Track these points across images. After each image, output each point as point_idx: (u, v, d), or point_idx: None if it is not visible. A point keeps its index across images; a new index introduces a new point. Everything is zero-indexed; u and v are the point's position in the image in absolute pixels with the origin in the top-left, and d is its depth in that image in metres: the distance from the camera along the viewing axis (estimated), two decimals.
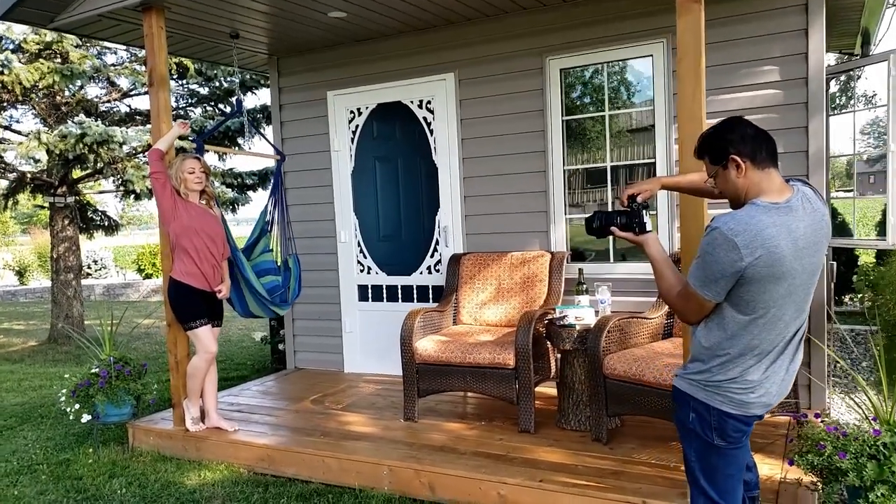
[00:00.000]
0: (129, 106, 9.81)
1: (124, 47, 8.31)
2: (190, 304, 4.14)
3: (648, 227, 2.25)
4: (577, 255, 4.84)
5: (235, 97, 5.03)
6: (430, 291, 5.42)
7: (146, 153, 8.94)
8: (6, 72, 6.99)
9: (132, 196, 8.92)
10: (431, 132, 5.31)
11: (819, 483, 2.76)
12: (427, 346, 4.22)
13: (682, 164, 2.77)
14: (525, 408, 3.94)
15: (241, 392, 5.29)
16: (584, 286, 4.18)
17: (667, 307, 4.02)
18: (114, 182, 10.09)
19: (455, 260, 4.99)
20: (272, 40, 5.43)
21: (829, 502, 2.68)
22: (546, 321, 4.16)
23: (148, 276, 17.37)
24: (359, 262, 5.73)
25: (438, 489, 3.43)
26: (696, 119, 2.75)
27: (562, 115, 4.81)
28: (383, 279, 5.63)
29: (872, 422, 2.68)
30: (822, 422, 2.86)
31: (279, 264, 4.85)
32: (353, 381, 5.46)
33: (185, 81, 9.53)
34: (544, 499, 3.15)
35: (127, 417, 4.45)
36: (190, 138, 4.46)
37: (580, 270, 4.28)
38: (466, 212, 5.21)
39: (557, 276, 4.58)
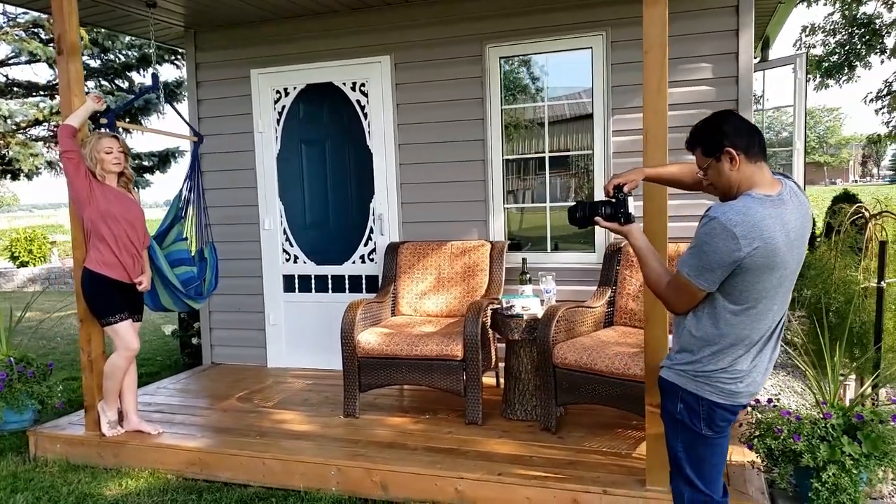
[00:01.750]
0: (6, 76, 8.89)
1: (16, 10, 7.50)
2: (108, 297, 3.77)
3: (633, 218, 2.23)
4: (514, 245, 4.83)
5: (151, 71, 4.61)
6: (364, 282, 5.25)
7: (33, 128, 8.18)
8: None
9: (20, 176, 8.08)
10: (366, 116, 5.12)
11: (769, 465, 2.88)
12: (370, 338, 4.07)
13: (647, 156, 2.78)
14: (473, 399, 3.88)
15: (156, 391, 4.91)
16: (528, 276, 4.17)
17: (607, 297, 4.10)
18: None
19: (393, 249, 4.85)
20: (191, 12, 5.03)
21: (783, 483, 2.80)
22: (490, 311, 4.12)
23: (23, 265, 15.88)
24: (284, 250, 5.46)
25: (392, 487, 3.31)
26: (660, 112, 2.78)
27: (501, 104, 4.77)
28: (312, 269, 5.39)
29: (823, 405, 2.83)
30: (774, 407, 2.99)
31: (194, 254, 4.51)
32: (280, 377, 5.21)
33: None
34: (504, 493, 3.11)
35: (28, 424, 4.02)
36: (99, 115, 4.03)
37: (524, 260, 4.27)
38: (403, 199, 5.08)
39: (498, 266, 4.55)
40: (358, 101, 5.14)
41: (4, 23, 7.93)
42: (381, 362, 4.04)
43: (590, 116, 4.57)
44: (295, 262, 5.43)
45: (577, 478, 3.08)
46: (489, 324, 4.11)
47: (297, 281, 5.44)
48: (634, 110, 4.41)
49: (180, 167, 9.65)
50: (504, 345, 4.29)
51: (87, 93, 3.94)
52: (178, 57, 8.04)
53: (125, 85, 8.83)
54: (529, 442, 3.57)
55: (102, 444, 3.89)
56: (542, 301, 3.99)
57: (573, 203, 2.37)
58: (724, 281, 1.92)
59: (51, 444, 3.99)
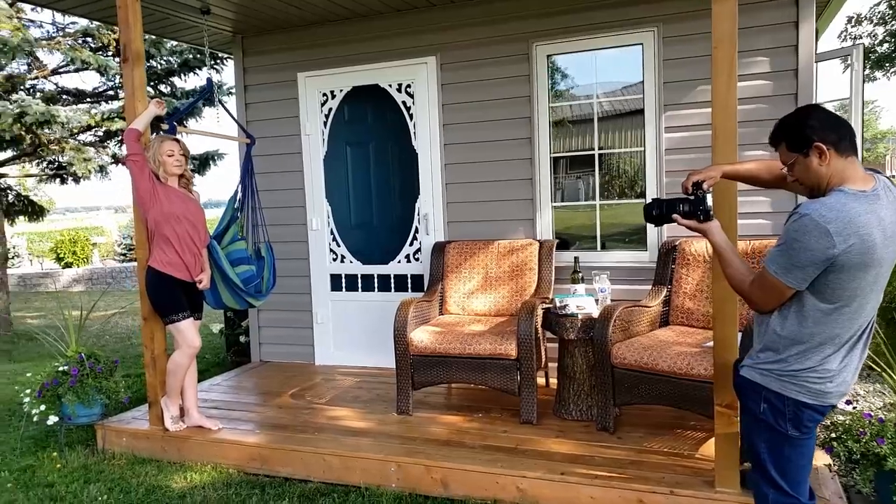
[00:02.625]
0: (57, 84, 9.12)
1: (63, 19, 7.70)
2: (171, 296, 3.87)
3: (712, 215, 2.22)
4: (562, 243, 4.83)
5: (207, 76, 4.71)
6: (409, 281, 5.30)
7: (83, 133, 8.37)
8: None
9: (70, 179, 8.29)
10: (411, 117, 5.17)
11: (846, 469, 2.84)
12: (422, 337, 4.11)
13: (716, 152, 2.76)
14: (528, 399, 3.90)
15: (210, 388, 5.01)
16: (581, 275, 4.17)
17: (663, 296, 4.08)
18: (38, 165, 9.38)
19: (439, 249, 4.89)
20: (241, 17, 5.13)
21: (864, 487, 2.76)
22: (543, 310, 4.13)
23: (67, 266, 16.31)
24: (331, 250, 5.53)
25: (452, 485, 3.35)
26: (730, 107, 2.76)
27: (549, 102, 4.77)
28: (358, 268, 5.46)
29: None
30: (853, 409, 2.95)
31: (251, 253, 4.60)
32: (328, 374, 5.28)
33: (119, 60, 8.93)
34: (567, 492, 3.12)
35: (96, 418, 4.13)
36: (161, 119, 4.14)
37: (576, 259, 4.27)
38: (448, 199, 5.11)
39: (548, 265, 4.55)
40: (403, 103, 5.18)
41: (55, 32, 8.13)
42: (434, 360, 4.08)
43: (640, 113, 4.55)
44: (342, 261, 5.50)
45: (641, 478, 3.08)
46: (541, 323, 4.12)
47: (343, 280, 5.51)
48: (687, 106, 4.39)
49: (219, 170, 9.79)
50: (554, 344, 4.32)
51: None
52: (220, 61, 8.16)
53: (167, 90, 8.98)
54: (588, 442, 3.57)
55: (166, 439, 3.99)
56: (596, 300, 3.99)
57: (649, 200, 2.36)
58: (814, 279, 1.90)
59: (117, 437, 4.11)
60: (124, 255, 17.47)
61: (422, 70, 5.09)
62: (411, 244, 5.27)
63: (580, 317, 3.86)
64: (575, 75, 4.79)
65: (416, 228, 5.23)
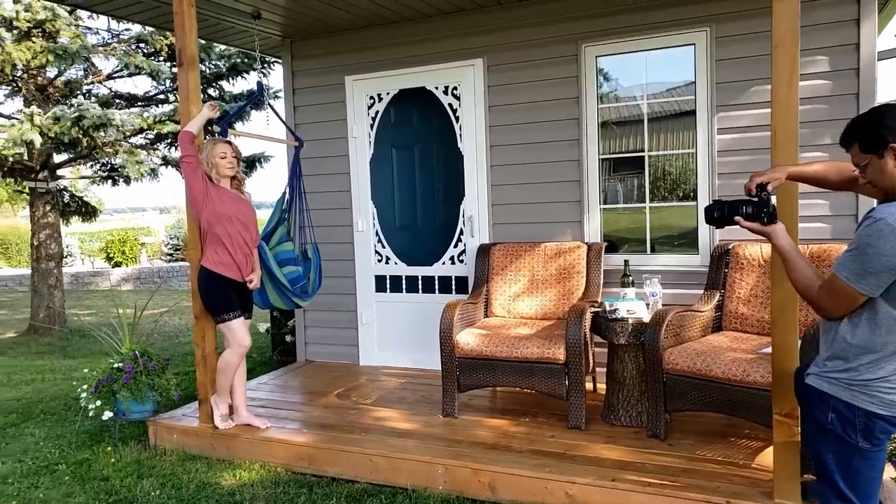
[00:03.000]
0: (110, 89, 9.39)
1: (118, 26, 7.93)
2: (223, 296, 3.93)
3: (777, 218, 2.15)
4: (611, 246, 4.76)
5: (257, 80, 4.79)
6: (454, 283, 5.29)
7: (136, 136, 8.60)
8: None
9: (122, 181, 8.52)
10: (457, 119, 5.16)
11: None
12: (468, 339, 4.09)
13: (776, 153, 2.69)
14: (576, 404, 3.85)
15: (258, 386, 5.08)
16: (631, 278, 4.10)
17: (715, 301, 3.99)
18: (91, 166, 9.66)
19: (484, 250, 4.87)
20: (290, 21, 5.20)
21: None
22: (591, 314, 4.07)
23: (117, 265, 16.79)
24: (376, 251, 5.56)
25: (500, 489, 3.32)
26: (791, 107, 2.68)
27: (597, 103, 4.71)
28: (402, 269, 5.47)
29: None
30: None
31: (298, 254, 4.65)
32: (373, 375, 5.30)
33: (170, 65, 9.15)
34: (617, 498, 3.06)
35: (149, 414, 4.23)
36: (213, 122, 4.23)
37: (626, 262, 4.20)
38: (493, 201, 5.09)
39: (596, 268, 4.49)
40: (450, 105, 5.18)
41: (111, 39, 8.38)
42: (480, 363, 4.06)
43: (691, 114, 4.46)
44: (386, 262, 5.53)
45: (696, 487, 3.00)
46: (589, 327, 4.06)
47: (388, 281, 5.53)
48: (741, 107, 4.29)
49: (266, 172, 9.95)
50: (601, 349, 4.26)
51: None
52: (268, 65, 8.30)
53: (216, 94, 9.16)
54: (638, 448, 3.51)
55: (216, 436, 4.05)
56: (647, 304, 3.92)
57: (710, 202, 2.30)
58: (889, 285, 1.83)
59: (168, 434, 4.19)
60: (171, 255, 17.90)
61: (469, 72, 5.08)
62: (456, 246, 5.26)
63: (630, 321, 3.80)
64: (623, 76, 4.72)
65: (461, 230, 5.23)
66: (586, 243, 4.64)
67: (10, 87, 7.95)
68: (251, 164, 9.64)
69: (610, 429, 3.83)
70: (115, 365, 4.09)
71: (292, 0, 4.66)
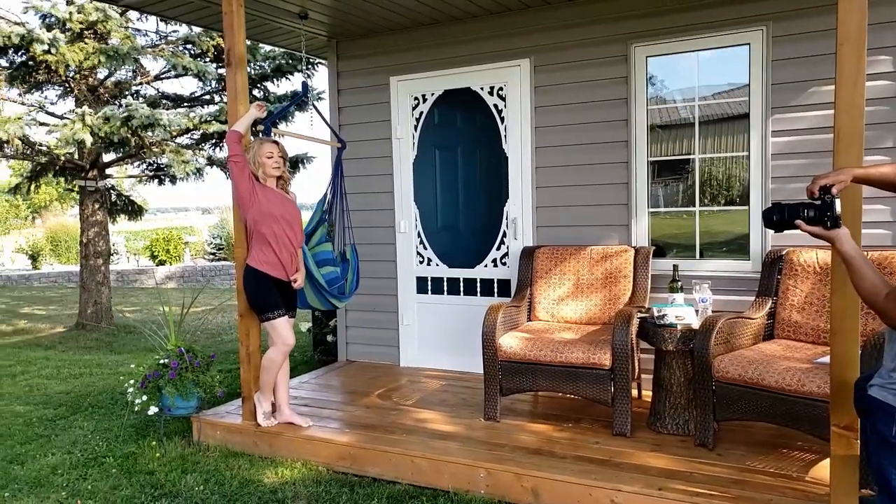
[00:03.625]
0: (157, 89, 9.60)
1: (166, 27, 8.10)
2: (268, 294, 3.96)
3: (840, 222, 2.06)
4: (658, 250, 4.66)
5: (302, 80, 4.84)
6: (496, 285, 5.24)
7: (184, 135, 8.78)
8: (52, 51, 6.75)
9: (168, 180, 8.70)
10: (502, 120, 5.12)
11: None
12: (511, 342, 4.04)
13: (839, 155, 2.59)
14: (621, 410, 3.77)
15: (300, 385, 5.11)
16: (680, 283, 4.00)
17: (767, 308, 3.87)
18: (138, 166, 9.88)
19: (528, 253, 4.81)
20: (336, 22, 5.23)
21: None
22: (638, 319, 3.99)
23: (161, 263, 17.17)
24: (418, 253, 5.55)
25: (543, 495, 3.26)
26: (856, 108, 2.58)
27: (647, 105, 4.62)
28: (444, 271, 5.45)
29: None
30: None
31: (336, 255, 4.66)
32: (413, 376, 5.29)
33: (216, 66, 9.31)
34: None
35: (193, 410, 4.28)
36: (259, 121, 4.27)
37: (675, 267, 4.10)
38: (538, 203, 5.03)
39: (643, 273, 4.40)
40: (495, 105, 5.14)
41: (159, 41, 8.56)
42: (523, 367, 4.01)
43: (744, 116, 4.34)
44: (428, 264, 5.51)
45: (747, 499, 2.91)
46: (635, 333, 3.98)
47: (429, 283, 5.51)
48: (797, 109, 4.16)
49: (308, 173, 10.05)
50: (647, 355, 4.17)
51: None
52: (312, 66, 8.38)
53: (260, 94, 9.29)
54: (686, 457, 3.41)
55: (258, 434, 4.08)
56: (696, 310, 3.82)
57: (770, 205, 2.22)
58: None
59: (212, 430, 4.24)
60: (213, 254, 18.23)
61: (515, 72, 5.03)
62: (498, 248, 5.22)
63: (679, 327, 3.70)
64: (674, 77, 4.62)
65: (504, 232, 5.18)
66: (633, 247, 4.54)
67: (62, 88, 8.19)
68: (294, 164, 9.73)
69: (656, 436, 3.74)
70: (161, 361, 4.15)
71: (339, 0, 4.68)
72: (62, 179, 9.43)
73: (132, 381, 4.21)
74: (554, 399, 4.52)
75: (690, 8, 4.39)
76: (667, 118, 4.65)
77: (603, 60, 4.72)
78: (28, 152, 8.30)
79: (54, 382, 6.03)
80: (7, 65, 7.53)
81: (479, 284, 5.31)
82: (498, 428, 3.99)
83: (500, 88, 5.11)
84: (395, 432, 3.95)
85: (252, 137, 4.27)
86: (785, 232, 2.21)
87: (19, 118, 6.79)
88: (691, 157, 4.57)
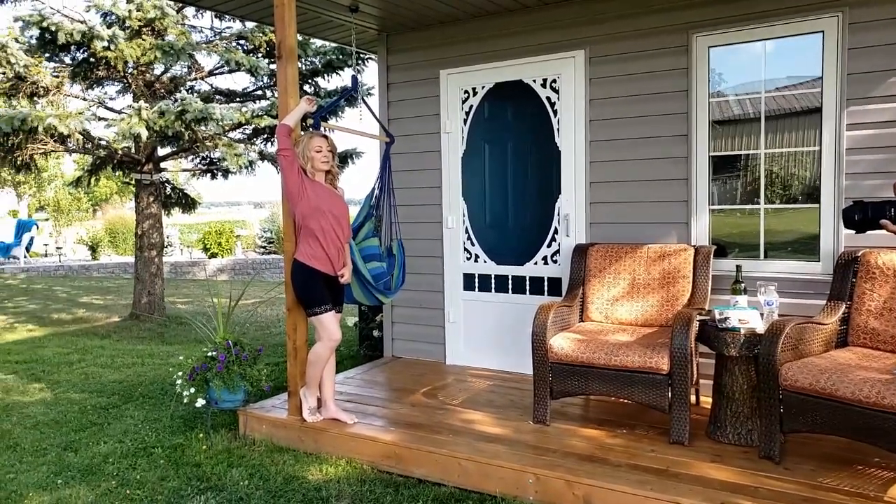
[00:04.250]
0: (211, 85, 9.73)
1: (220, 24, 8.20)
2: (315, 289, 3.91)
3: None
4: (719, 250, 4.43)
5: (353, 76, 4.78)
6: (546, 284, 5.09)
7: (236, 130, 8.88)
8: (112, 48, 6.89)
9: (220, 174, 8.81)
10: (555, 113, 4.96)
11: None
12: (563, 344, 3.90)
13: None
14: (679, 418, 3.59)
15: (345, 381, 5.07)
16: (743, 285, 3.79)
17: (840, 313, 3.62)
18: (192, 160, 10.04)
19: (581, 251, 4.65)
20: (386, 14, 5.15)
21: None
22: (698, 322, 3.79)
23: (213, 256, 17.51)
24: (466, 249, 5.44)
25: None
26: None
27: (709, 97, 4.40)
28: (492, 268, 5.33)
29: None
30: None
31: (383, 250, 4.59)
32: (459, 375, 5.19)
33: (268, 61, 9.37)
34: None
35: (240, 404, 4.27)
36: (308, 115, 4.22)
37: (738, 268, 3.88)
38: (591, 199, 4.86)
39: (703, 273, 4.20)
40: (548, 98, 4.99)
41: (213, 37, 8.66)
42: (575, 370, 3.86)
43: (815, 109, 4.09)
44: (476, 260, 5.40)
45: None
46: (695, 336, 3.78)
47: (477, 280, 5.40)
48: (877, 100, 3.89)
49: (357, 168, 10.04)
50: (707, 360, 3.97)
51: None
52: (362, 62, 8.35)
53: (311, 90, 9.31)
54: (750, 470, 3.21)
55: (303, 430, 4.04)
56: (761, 314, 3.60)
57: (850, 203, 2.03)
58: None
59: (258, 424, 4.22)
60: (264, 247, 18.50)
61: (569, 64, 4.87)
62: (549, 245, 5.06)
63: (743, 332, 3.50)
64: (737, 67, 4.38)
65: (556, 229, 5.02)
66: (693, 246, 4.34)
67: (121, 84, 8.36)
68: (344, 159, 9.73)
69: (716, 446, 3.55)
70: (209, 354, 4.15)
71: None
72: (120, 173, 9.66)
73: (180, 373, 4.22)
74: (606, 403, 4.35)
75: None
76: (729, 111, 4.42)
77: (662, 51, 4.52)
78: (88, 146, 8.50)
79: (108, 371, 6.15)
80: (70, 61, 7.72)
81: (528, 282, 5.17)
82: (547, 432, 3.85)
83: (554, 81, 4.95)
84: (442, 432, 3.86)
85: (302, 132, 4.23)
86: (868, 233, 2.03)
87: (80, 113, 6.95)
88: (756, 152, 4.33)
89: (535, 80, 5.03)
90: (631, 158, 4.69)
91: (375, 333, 6.23)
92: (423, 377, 5.12)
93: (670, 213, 4.57)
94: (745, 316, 3.54)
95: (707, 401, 4.05)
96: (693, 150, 4.44)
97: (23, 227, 17.63)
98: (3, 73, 7.12)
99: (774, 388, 3.26)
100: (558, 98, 4.94)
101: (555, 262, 5.05)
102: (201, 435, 4.23)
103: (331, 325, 3.92)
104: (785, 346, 3.31)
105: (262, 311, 9.79)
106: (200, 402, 4.16)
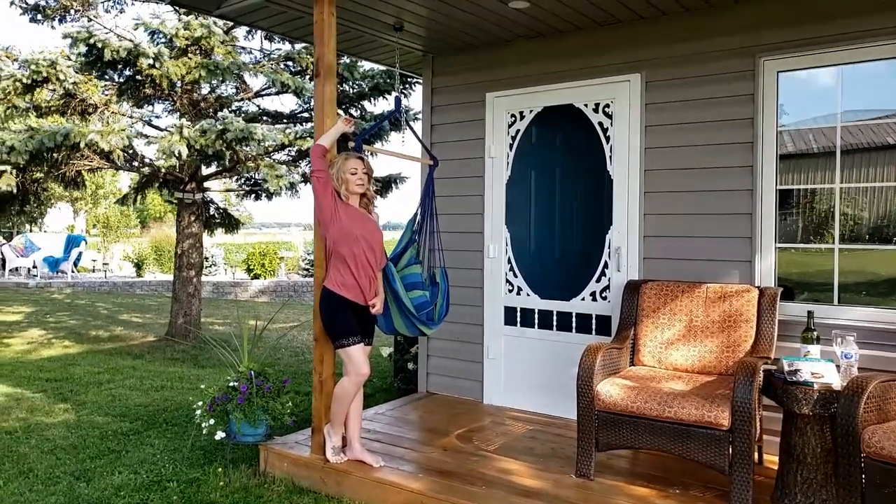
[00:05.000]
0: (258, 105, 9.74)
1: (269, 43, 8.19)
2: (344, 319, 3.66)
3: None
4: (787, 292, 4.03)
5: (396, 97, 4.59)
6: (594, 322, 4.74)
7: (277, 152, 8.84)
8: (157, 65, 6.90)
9: (263, 195, 8.74)
10: (608, 139, 4.66)
11: None
12: (611, 391, 3.55)
13: None
14: (741, 480, 3.18)
15: (374, 416, 4.79)
16: (816, 333, 3.39)
17: None
18: (236, 180, 10.03)
19: (633, 288, 4.30)
20: (432, 35, 4.96)
21: None
22: (763, 373, 3.40)
23: (256, 277, 17.55)
24: (508, 281, 5.13)
25: None
26: None
27: (776, 126, 4.05)
28: (536, 302, 5.00)
29: None
30: None
31: (425, 278, 4.32)
32: (497, 416, 4.85)
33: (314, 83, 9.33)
34: None
35: (261, 438, 4.02)
36: (349, 137, 4.03)
37: (810, 314, 3.48)
38: (646, 232, 4.52)
39: (769, 318, 3.80)
40: (600, 124, 4.69)
41: (262, 58, 8.66)
42: (624, 420, 3.50)
43: None
44: (518, 293, 5.08)
45: None
46: (759, 388, 3.39)
47: (518, 314, 5.08)
48: None
49: (400, 193, 9.87)
50: (772, 414, 3.56)
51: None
52: (408, 86, 8.22)
53: (357, 113, 9.23)
54: None
55: (326, 470, 3.77)
56: (838, 367, 3.20)
57: None
58: None
59: (279, 461, 3.97)
60: (307, 269, 18.47)
61: (623, 88, 4.57)
62: (598, 280, 4.72)
63: (816, 387, 3.09)
64: (807, 95, 4.03)
65: (606, 263, 4.69)
66: (757, 287, 3.95)
67: (168, 102, 8.40)
68: (387, 184, 9.59)
69: None
70: (231, 384, 3.93)
71: (435, 11, 4.40)
72: (165, 191, 9.70)
73: (200, 403, 4.00)
74: (658, 458, 3.96)
75: (833, 16, 3.81)
76: (800, 141, 4.05)
77: (726, 76, 4.19)
78: (134, 164, 8.54)
79: (136, 394, 6.00)
80: (117, 79, 7.78)
81: (574, 319, 4.83)
82: (591, 488, 3.49)
83: (607, 105, 4.66)
84: (475, 483, 3.53)
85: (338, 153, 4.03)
86: None
87: (122, 130, 6.95)
88: (830, 186, 3.94)
89: (586, 105, 4.75)
90: (689, 190, 4.35)
91: (410, 366, 5.94)
92: (458, 417, 4.80)
93: (732, 250, 4.19)
94: (820, 369, 3.14)
95: (772, 460, 3.63)
96: (759, 182, 4.07)
97: (72, 243, 18.02)
98: (54, 91, 7.19)
99: (855, 455, 2.85)
100: (611, 123, 4.64)
101: (604, 298, 4.70)
102: (220, 469, 3.99)
103: (358, 359, 3.65)
104: (868, 407, 2.90)
105: (297, 334, 9.63)
106: (220, 436, 3.94)
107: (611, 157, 4.65)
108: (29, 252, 17.54)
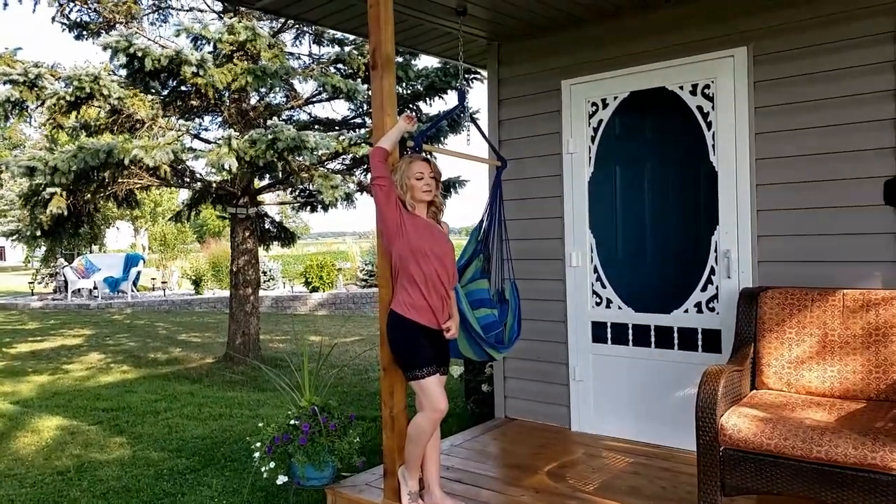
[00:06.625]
0: (309, 113, 9.40)
1: (317, 48, 7.84)
2: (416, 347, 3.15)
3: None
4: None
5: (459, 89, 4.08)
6: (700, 337, 4.10)
7: (334, 160, 8.46)
8: (202, 73, 6.58)
9: (319, 207, 8.37)
10: (709, 125, 4.03)
11: None
12: (739, 424, 2.93)
13: None
14: None
15: (451, 449, 4.26)
16: None
17: None
18: (290, 192, 9.71)
19: (750, 297, 3.65)
20: (498, 17, 4.42)
21: None
22: None
23: (314, 290, 17.32)
24: (595, 292, 4.54)
25: None
26: None
27: None
28: (629, 316, 4.39)
29: None
30: None
31: (493, 294, 3.78)
32: (590, 446, 4.26)
33: (367, 86, 8.92)
34: None
35: (327, 481, 3.55)
36: (408, 137, 3.54)
37: None
38: (760, 231, 3.87)
39: None
40: (699, 108, 4.07)
41: (311, 62, 8.31)
42: (758, 460, 2.88)
43: None
44: (608, 306, 4.48)
45: None
46: None
47: (609, 329, 4.48)
48: None
49: (460, 198, 9.37)
50: None
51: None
52: (468, 81, 7.70)
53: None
54: None
55: None
56: None
57: None
58: None
59: None
60: (365, 280, 18.16)
61: (726, 65, 3.94)
62: (704, 289, 4.09)
63: None
64: None
65: (712, 269, 4.05)
66: None
67: (215, 113, 8.12)
68: (447, 188, 9.11)
69: None
70: (292, 422, 3.47)
71: None
72: (219, 206, 9.45)
73: (259, 444, 3.55)
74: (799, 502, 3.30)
75: None
76: None
77: (855, 41, 3.52)
78: (184, 179, 8.29)
79: (193, 424, 5.65)
80: (161, 90, 7.52)
81: (676, 334, 4.20)
82: None
83: (706, 86, 4.03)
84: None
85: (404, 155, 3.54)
86: None
87: (168, 144, 6.66)
88: None
89: (681, 87, 4.13)
90: (812, 180, 3.68)
91: (484, 388, 5.40)
92: (545, 449, 4.23)
93: (871, 250, 3.51)
94: None
95: None
96: None
97: (130, 262, 18.17)
98: (100, 108, 6.97)
99: None
100: (713, 107, 4.00)
101: (711, 309, 4.06)
102: None
103: (435, 393, 3.13)
104: None
105: (360, 349, 9.22)
106: (282, 480, 3.48)
107: (713, 145, 4.01)
108: (90, 273, 17.76)
